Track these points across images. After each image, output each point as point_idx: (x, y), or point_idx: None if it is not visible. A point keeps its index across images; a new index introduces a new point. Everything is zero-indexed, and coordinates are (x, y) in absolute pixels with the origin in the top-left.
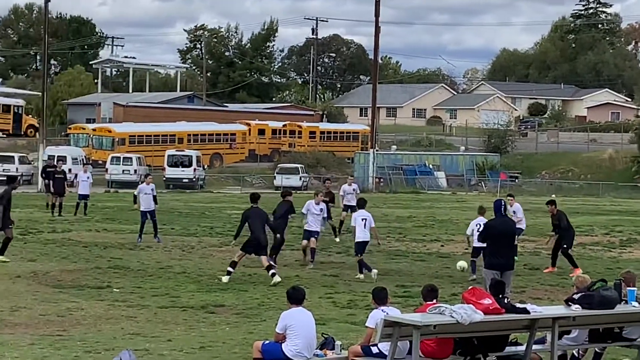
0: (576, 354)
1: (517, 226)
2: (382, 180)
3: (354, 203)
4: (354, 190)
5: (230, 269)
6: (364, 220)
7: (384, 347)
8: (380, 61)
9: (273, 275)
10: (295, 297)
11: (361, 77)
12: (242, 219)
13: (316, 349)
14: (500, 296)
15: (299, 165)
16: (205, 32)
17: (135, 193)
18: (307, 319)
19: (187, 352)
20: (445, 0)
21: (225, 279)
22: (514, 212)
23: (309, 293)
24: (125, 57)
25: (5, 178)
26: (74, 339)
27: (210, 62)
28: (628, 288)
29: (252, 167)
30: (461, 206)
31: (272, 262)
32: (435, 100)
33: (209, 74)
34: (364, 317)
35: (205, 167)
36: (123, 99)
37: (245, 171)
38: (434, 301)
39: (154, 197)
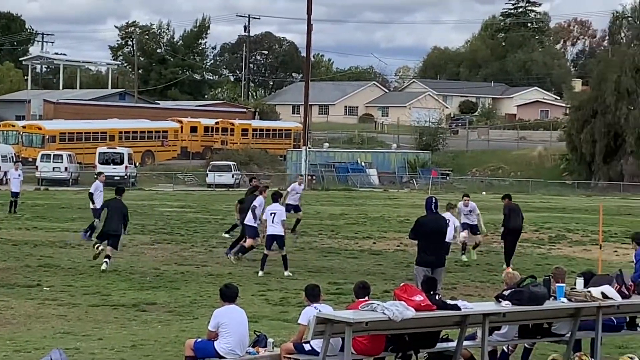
0: (506, 350)
1: (474, 222)
2: (314, 177)
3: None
4: (303, 189)
5: (107, 260)
6: (273, 215)
7: (317, 344)
8: (312, 59)
9: (105, 263)
10: (228, 295)
11: (293, 74)
12: (102, 207)
13: (249, 346)
14: (432, 293)
15: (231, 163)
16: (137, 29)
17: (92, 190)
18: (239, 316)
19: (118, 350)
20: None
21: (103, 266)
22: (470, 211)
23: (242, 290)
24: (56, 53)
25: None
26: (3, 338)
27: (142, 59)
28: (557, 284)
29: (184, 164)
30: (393, 203)
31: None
32: (367, 98)
33: (140, 71)
34: (296, 315)
35: (137, 164)
36: (53, 96)
37: (177, 169)
38: (366, 298)
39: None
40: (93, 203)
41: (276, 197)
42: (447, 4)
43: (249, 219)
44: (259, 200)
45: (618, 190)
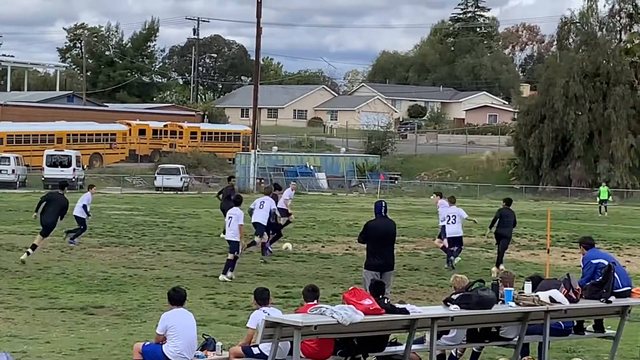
0: (454, 354)
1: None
2: (263, 181)
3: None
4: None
5: (30, 250)
6: (230, 219)
7: (265, 347)
8: (261, 62)
9: (28, 254)
10: (176, 298)
11: (242, 77)
12: (40, 200)
13: (197, 350)
14: (380, 297)
15: (179, 166)
16: (86, 31)
17: (85, 203)
18: (187, 320)
19: (65, 354)
20: (328, 2)
21: (23, 256)
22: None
23: (190, 294)
24: (4, 55)
25: None
26: None
27: (91, 61)
28: (505, 288)
29: (133, 167)
30: (342, 207)
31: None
32: (316, 101)
33: (89, 74)
34: (245, 318)
35: (85, 167)
36: (1, 98)
37: (125, 171)
38: (315, 302)
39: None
40: (88, 215)
41: (238, 201)
42: (397, 8)
43: (259, 217)
44: (269, 201)
45: (565, 194)
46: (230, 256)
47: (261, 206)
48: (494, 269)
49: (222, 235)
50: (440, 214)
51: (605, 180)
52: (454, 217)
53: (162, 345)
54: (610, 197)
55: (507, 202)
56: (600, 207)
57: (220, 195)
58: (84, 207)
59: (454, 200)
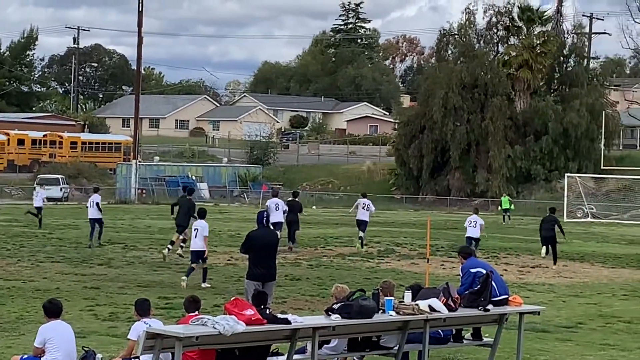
0: None
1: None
2: (144, 191)
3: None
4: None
5: (170, 246)
6: (196, 230)
7: (146, 359)
8: (143, 72)
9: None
10: (52, 310)
11: (123, 87)
12: (172, 205)
13: None
14: (262, 307)
15: (59, 176)
16: None
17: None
18: (66, 332)
19: None
20: (211, 12)
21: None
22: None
23: (70, 305)
24: None
25: None
26: None
27: None
28: (385, 297)
29: (11, 177)
30: (224, 217)
31: None
32: (198, 111)
33: None
34: (126, 330)
35: None
36: None
37: (3, 182)
38: (196, 312)
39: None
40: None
41: (202, 214)
42: (280, 19)
43: (277, 217)
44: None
45: (445, 204)
46: (194, 265)
47: (277, 208)
48: (554, 267)
49: (177, 250)
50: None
51: (507, 193)
52: (474, 222)
53: (41, 358)
54: (512, 205)
55: (551, 210)
56: (503, 217)
57: (175, 208)
58: None
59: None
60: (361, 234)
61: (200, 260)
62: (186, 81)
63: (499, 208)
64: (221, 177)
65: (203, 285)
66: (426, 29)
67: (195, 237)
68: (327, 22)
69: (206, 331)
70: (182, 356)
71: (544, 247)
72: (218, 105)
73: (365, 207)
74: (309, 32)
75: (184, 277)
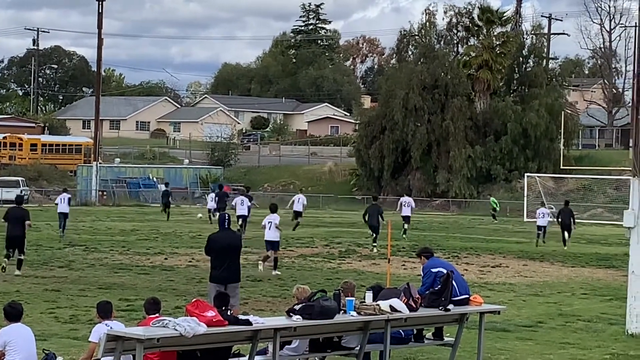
0: None
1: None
2: (105, 193)
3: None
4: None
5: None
6: (270, 223)
7: None
8: (103, 73)
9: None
10: (13, 314)
11: (84, 89)
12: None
13: None
14: (224, 308)
15: (19, 179)
16: None
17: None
18: (26, 334)
19: None
20: (173, 14)
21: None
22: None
23: (30, 308)
24: None
25: None
26: None
27: None
28: (347, 298)
29: None
30: (185, 219)
31: None
32: (159, 113)
33: None
34: (86, 332)
35: None
36: None
37: None
38: (157, 314)
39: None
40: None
41: (274, 209)
42: (242, 20)
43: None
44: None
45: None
46: (270, 253)
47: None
48: (565, 247)
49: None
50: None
51: (489, 194)
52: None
53: None
54: (498, 206)
55: (566, 203)
56: (493, 215)
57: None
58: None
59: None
60: (406, 226)
61: (273, 249)
62: (147, 83)
63: (491, 209)
64: (182, 179)
65: (274, 273)
66: (388, 29)
67: (269, 229)
68: (289, 24)
69: (167, 333)
70: (143, 358)
71: (563, 234)
72: (179, 106)
73: (407, 204)
74: (272, 33)
75: (260, 262)
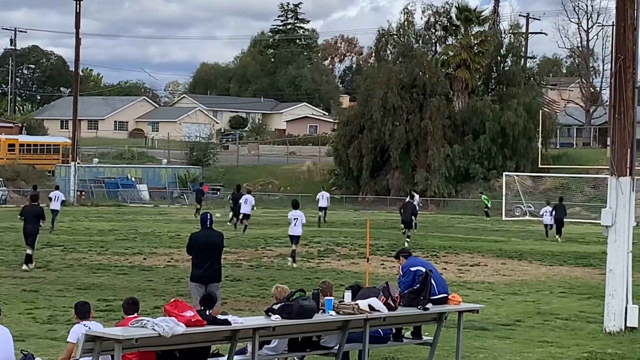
0: None
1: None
2: (83, 193)
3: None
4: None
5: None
6: (296, 219)
7: None
8: (81, 73)
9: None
10: None
11: (62, 89)
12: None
13: None
14: (203, 308)
15: None
16: None
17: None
18: (4, 335)
19: None
20: (153, 14)
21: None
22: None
23: (8, 309)
24: None
25: None
26: None
27: None
28: (325, 297)
29: None
30: (164, 219)
31: None
32: (137, 113)
33: None
34: (65, 333)
35: None
36: None
37: None
38: (135, 315)
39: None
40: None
41: (296, 205)
42: (221, 20)
43: (296, 230)
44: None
45: (385, 204)
46: (294, 247)
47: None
48: (558, 238)
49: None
50: None
51: (481, 192)
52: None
53: None
54: (489, 202)
55: (560, 199)
56: (486, 212)
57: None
58: None
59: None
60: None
61: (295, 243)
62: (125, 82)
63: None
64: (161, 179)
65: (294, 265)
66: (367, 29)
67: (295, 225)
68: (268, 23)
69: (146, 333)
70: (121, 358)
71: (558, 227)
72: (157, 106)
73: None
74: (251, 33)
75: (289, 259)
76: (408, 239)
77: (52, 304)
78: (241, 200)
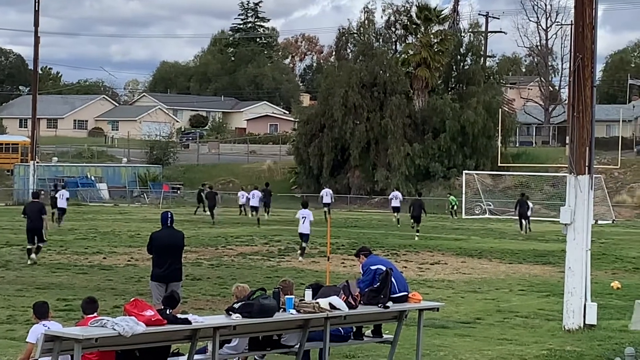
0: None
1: None
2: (43, 192)
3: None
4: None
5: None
6: (304, 218)
7: None
8: (40, 72)
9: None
10: None
11: (20, 87)
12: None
13: None
14: (164, 307)
15: None
16: None
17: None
18: None
19: None
20: (113, 12)
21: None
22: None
23: None
24: None
25: None
26: None
27: None
28: (286, 296)
29: None
30: (124, 218)
31: None
32: (97, 111)
33: None
34: (24, 332)
35: None
36: None
37: None
38: (95, 314)
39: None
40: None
41: (306, 204)
42: (182, 18)
43: (305, 228)
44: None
45: (345, 202)
46: (303, 244)
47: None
48: (522, 232)
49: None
50: None
51: (449, 192)
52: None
53: None
54: (457, 203)
55: (522, 194)
56: (452, 213)
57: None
58: None
59: None
60: (398, 215)
61: (303, 240)
62: (85, 81)
63: (448, 207)
64: (121, 178)
65: (301, 259)
66: (328, 27)
67: (304, 223)
68: (229, 22)
69: (105, 333)
70: (81, 358)
71: (521, 222)
72: (117, 105)
73: (396, 198)
74: (212, 31)
75: (299, 254)
76: (417, 233)
77: (11, 303)
78: (249, 195)
